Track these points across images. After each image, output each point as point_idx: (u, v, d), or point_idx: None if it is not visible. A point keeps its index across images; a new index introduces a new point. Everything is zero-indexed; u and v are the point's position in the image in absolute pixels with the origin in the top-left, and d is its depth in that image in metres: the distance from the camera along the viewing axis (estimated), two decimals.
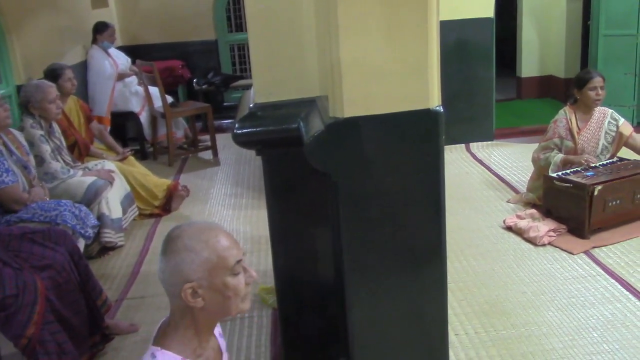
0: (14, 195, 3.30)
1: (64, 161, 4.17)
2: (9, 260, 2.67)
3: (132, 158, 5.04)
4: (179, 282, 1.42)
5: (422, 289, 2.07)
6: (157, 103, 6.22)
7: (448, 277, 2.11)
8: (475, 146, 6.08)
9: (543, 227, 3.94)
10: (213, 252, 1.43)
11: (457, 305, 3.25)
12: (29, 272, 2.66)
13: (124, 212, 4.35)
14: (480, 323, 3.10)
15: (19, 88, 4.54)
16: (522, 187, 4.82)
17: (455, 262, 3.69)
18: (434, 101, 1.92)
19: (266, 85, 2.41)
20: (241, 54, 8.29)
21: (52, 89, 4.09)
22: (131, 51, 7.25)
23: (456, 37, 5.82)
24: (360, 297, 2.05)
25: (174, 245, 1.44)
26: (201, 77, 7.73)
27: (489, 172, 5.37)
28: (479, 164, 5.62)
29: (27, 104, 4.03)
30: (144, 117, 6.41)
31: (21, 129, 3.96)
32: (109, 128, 5.89)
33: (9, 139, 3.50)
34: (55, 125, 4.24)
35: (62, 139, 4.31)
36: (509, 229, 4.14)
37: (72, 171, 4.12)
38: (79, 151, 4.63)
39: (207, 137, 6.49)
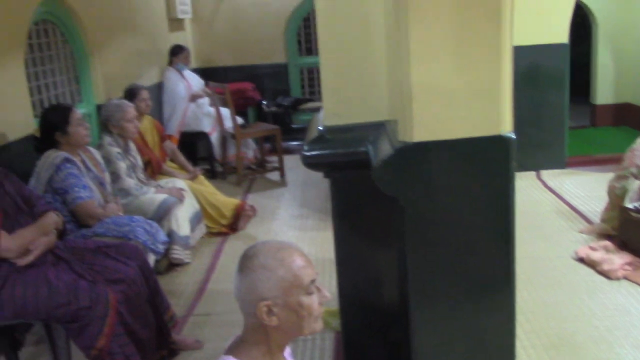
0: (89, 211, 3.42)
1: (138, 178, 4.31)
2: (84, 273, 2.77)
3: (202, 177, 5.16)
4: (254, 300, 1.45)
5: (489, 318, 2.02)
6: (228, 124, 6.37)
7: (516, 307, 2.06)
8: (546, 174, 5.94)
9: (618, 260, 3.79)
10: (288, 270, 1.45)
11: (524, 337, 3.15)
12: (102, 285, 2.75)
13: (192, 229, 4.45)
14: (548, 356, 2.99)
15: (98, 107, 4.74)
16: (596, 218, 4.66)
17: (524, 292, 3.59)
18: (506, 127, 1.90)
19: (336, 108, 2.44)
20: (310, 77, 8.41)
21: (130, 108, 4.27)
22: (204, 73, 7.47)
23: (529, 63, 5.73)
24: (425, 323, 2.03)
25: (250, 263, 1.47)
26: (271, 99, 7.88)
27: (561, 201, 5.22)
28: (550, 192, 5.48)
29: (107, 122, 4.21)
30: (214, 138, 6.56)
31: (99, 146, 4.13)
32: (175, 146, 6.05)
33: (87, 157, 3.64)
34: (131, 144, 4.40)
35: (138, 157, 4.46)
36: (581, 260, 4.00)
37: (145, 188, 4.26)
38: (152, 169, 4.78)
39: (275, 158, 6.58)
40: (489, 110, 1.88)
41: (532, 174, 5.93)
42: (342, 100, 2.43)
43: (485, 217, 1.95)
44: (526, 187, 5.62)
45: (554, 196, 5.37)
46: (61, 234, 3.00)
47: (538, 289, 3.67)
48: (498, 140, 1.89)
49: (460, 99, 1.87)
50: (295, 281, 1.45)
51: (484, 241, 1.97)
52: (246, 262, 1.48)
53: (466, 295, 2.00)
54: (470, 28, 1.82)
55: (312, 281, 1.49)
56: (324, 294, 1.52)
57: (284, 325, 1.47)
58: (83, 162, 3.56)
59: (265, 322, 1.45)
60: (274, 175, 6.53)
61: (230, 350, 1.52)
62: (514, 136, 1.91)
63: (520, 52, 5.01)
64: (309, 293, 1.48)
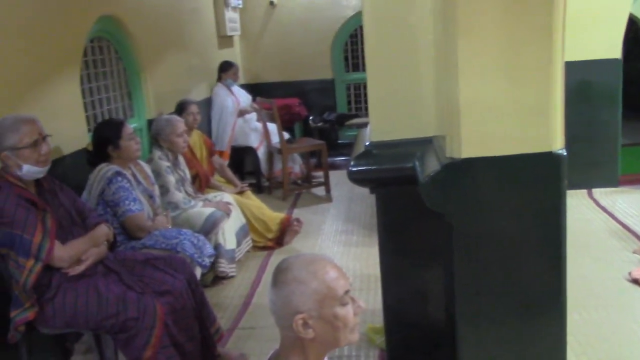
0: (139, 223, 3.49)
1: (186, 192, 4.38)
2: (133, 285, 2.82)
3: (249, 192, 5.21)
4: (289, 313, 1.46)
5: (539, 340, 1.97)
6: (275, 139, 6.43)
7: (567, 328, 2.01)
8: (598, 192, 5.78)
9: None
10: (322, 282, 1.46)
11: None
12: (149, 297, 2.79)
13: (239, 243, 4.49)
14: None
15: (149, 122, 4.85)
16: None
17: (574, 314, 3.49)
18: (557, 144, 1.87)
19: (382, 123, 2.44)
20: (357, 92, 8.44)
21: (180, 123, 4.36)
22: (252, 89, 7.58)
23: (580, 79, 5.61)
24: (472, 342, 1.99)
25: (284, 277, 1.48)
26: (317, 115, 7.93)
27: (613, 220, 5.07)
28: (602, 211, 5.33)
29: (157, 136, 4.31)
30: (261, 152, 6.63)
31: (149, 160, 4.22)
32: (227, 162, 6.13)
33: (137, 170, 3.72)
34: (181, 158, 4.48)
35: (187, 171, 4.54)
36: (635, 281, 3.87)
37: (193, 202, 4.32)
38: (200, 183, 4.85)
39: (320, 173, 6.61)
40: (540, 126, 1.85)
41: (583, 192, 5.79)
42: (388, 116, 2.43)
43: (535, 235, 1.91)
44: (577, 205, 5.49)
45: (606, 215, 5.22)
46: (112, 245, 3.07)
47: (590, 310, 3.57)
48: (549, 158, 1.86)
49: (510, 115, 1.85)
50: (329, 293, 1.46)
51: (533, 260, 1.93)
52: (279, 276, 1.49)
53: (515, 315, 1.96)
54: (521, 43, 1.80)
55: (346, 292, 1.49)
56: (358, 304, 1.52)
57: (320, 338, 1.48)
58: (134, 175, 3.64)
59: (302, 335, 1.46)
60: (320, 191, 6.54)
61: None
62: (565, 153, 1.87)
63: (572, 68, 4.91)
64: (344, 304, 1.48)
